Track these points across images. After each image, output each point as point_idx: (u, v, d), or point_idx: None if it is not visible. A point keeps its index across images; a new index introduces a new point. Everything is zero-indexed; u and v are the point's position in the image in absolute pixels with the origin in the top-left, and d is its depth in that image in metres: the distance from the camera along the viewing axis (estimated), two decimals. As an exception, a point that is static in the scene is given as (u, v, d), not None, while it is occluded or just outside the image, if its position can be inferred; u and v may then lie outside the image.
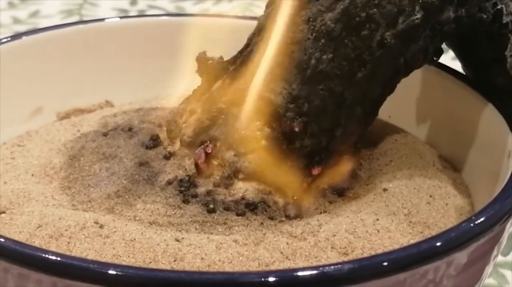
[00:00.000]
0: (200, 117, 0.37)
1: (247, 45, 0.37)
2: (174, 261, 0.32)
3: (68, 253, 0.32)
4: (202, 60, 0.38)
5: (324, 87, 0.35)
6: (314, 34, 0.35)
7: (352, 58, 0.35)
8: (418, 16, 0.35)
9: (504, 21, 0.36)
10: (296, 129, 0.35)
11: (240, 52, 0.37)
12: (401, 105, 0.42)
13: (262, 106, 0.35)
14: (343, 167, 0.37)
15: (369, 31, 0.35)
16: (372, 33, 0.35)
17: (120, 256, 0.32)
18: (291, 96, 0.35)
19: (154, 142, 0.39)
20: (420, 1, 0.35)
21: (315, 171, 0.36)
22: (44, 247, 0.32)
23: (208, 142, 0.37)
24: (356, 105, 0.36)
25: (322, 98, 0.35)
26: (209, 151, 0.36)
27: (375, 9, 0.35)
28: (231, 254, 0.32)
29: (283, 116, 0.35)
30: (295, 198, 0.35)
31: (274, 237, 0.33)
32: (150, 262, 0.32)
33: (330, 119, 0.35)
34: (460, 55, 0.40)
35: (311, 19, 0.35)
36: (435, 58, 0.37)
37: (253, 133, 0.35)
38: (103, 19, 0.50)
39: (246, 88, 0.36)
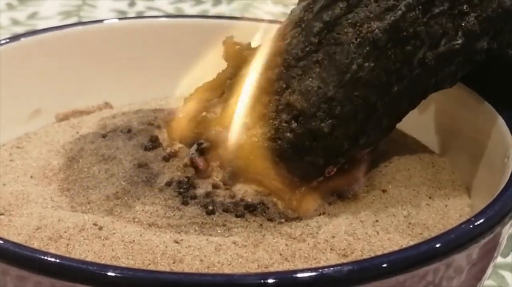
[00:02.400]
0: (227, 100, 0.37)
1: (282, 36, 0.37)
2: (173, 262, 0.32)
3: (67, 255, 0.32)
4: (229, 44, 0.38)
5: (360, 94, 0.35)
6: (358, 40, 0.34)
7: (392, 71, 0.35)
8: (459, 41, 0.35)
9: None
10: (325, 130, 0.35)
11: (273, 41, 0.37)
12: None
13: (294, 100, 0.35)
14: (347, 174, 0.37)
15: (413, 48, 0.35)
16: (415, 50, 0.35)
17: (119, 258, 0.32)
18: (326, 97, 0.35)
19: (153, 143, 0.39)
20: (464, 28, 0.35)
21: (329, 172, 0.36)
22: (43, 249, 0.32)
23: (202, 138, 0.37)
24: (384, 117, 0.36)
25: (355, 105, 0.35)
26: (203, 145, 0.36)
27: (422, 27, 0.35)
28: (230, 255, 0.32)
29: (314, 115, 0.35)
30: (294, 199, 0.35)
31: (273, 238, 0.33)
32: (149, 264, 0.32)
33: (357, 126, 0.35)
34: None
35: (358, 24, 0.35)
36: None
37: (280, 125, 0.35)
38: (102, 21, 0.50)
39: (280, 79, 0.36)
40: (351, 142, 0.35)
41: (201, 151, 0.37)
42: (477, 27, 0.35)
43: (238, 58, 0.37)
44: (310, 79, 0.35)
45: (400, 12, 0.34)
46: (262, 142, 0.35)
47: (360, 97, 0.35)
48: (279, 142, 0.35)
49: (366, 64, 0.34)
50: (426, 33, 0.35)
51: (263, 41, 0.37)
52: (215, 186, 0.36)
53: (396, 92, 0.35)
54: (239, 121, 0.36)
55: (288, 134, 0.35)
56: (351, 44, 0.34)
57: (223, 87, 0.38)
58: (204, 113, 0.37)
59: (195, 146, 0.37)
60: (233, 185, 0.36)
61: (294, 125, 0.35)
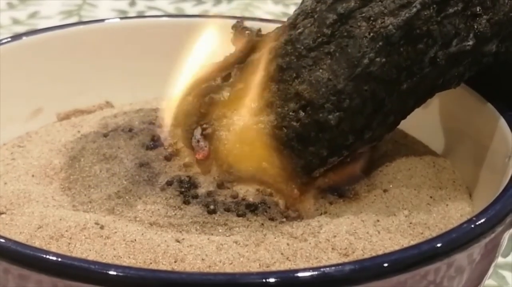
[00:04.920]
0: (235, 84, 0.37)
1: (293, 25, 0.36)
2: (175, 262, 0.32)
3: (69, 254, 0.32)
4: (239, 28, 0.38)
5: (369, 88, 0.35)
6: (372, 34, 0.34)
7: (402, 68, 0.35)
8: (470, 43, 0.35)
9: None
10: (332, 122, 0.35)
11: (283, 30, 0.37)
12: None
13: (303, 90, 0.35)
14: (347, 169, 0.37)
15: (425, 46, 0.35)
16: (427, 49, 0.35)
17: (121, 257, 0.32)
18: (335, 89, 0.35)
19: (155, 143, 0.39)
20: (476, 30, 0.35)
21: (331, 162, 0.36)
22: (44, 248, 0.32)
23: (207, 125, 0.37)
24: (391, 113, 0.36)
25: (364, 99, 0.35)
26: (207, 131, 0.36)
27: (436, 26, 0.35)
28: (232, 255, 0.32)
29: (322, 106, 0.35)
30: (296, 187, 0.35)
31: (275, 238, 0.33)
32: (151, 263, 0.32)
33: (364, 121, 0.35)
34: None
35: (371, 18, 0.35)
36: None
37: (287, 114, 0.35)
38: (103, 20, 0.50)
39: (290, 68, 0.35)
40: (356, 136, 0.35)
41: (205, 137, 0.37)
42: (488, 30, 0.35)
43: (247, 43, 0.37)
44: (320, 70, 0.35)
45: (415, 9, 0.34)
46: (268, 129, 0.35)
47: (369, 91, 0.35)
48: (285, 130, 0.35)
49: (378, 59, 0.34)
50: (439, 32, 0.35)
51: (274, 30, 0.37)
52: (219, 186, 0.36)
53: (405, 89, 0.35)
54: (246, 106, 0.36)
55: (295, 123, 0.35)
56: (364, 38, 0.34)
57: (229, 70, 0.38)
58: (211, 95, 0.37)
59: (199, 130, 0.37)
60: (234, 176, 0.36)
61: (301, 115, 0.35)
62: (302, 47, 0.35)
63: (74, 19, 0.78)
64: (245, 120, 0.36)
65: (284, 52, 0.36)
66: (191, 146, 0.37)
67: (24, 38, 0.46)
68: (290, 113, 0.35)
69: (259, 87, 0.36)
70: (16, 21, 0.77)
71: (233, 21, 0.44)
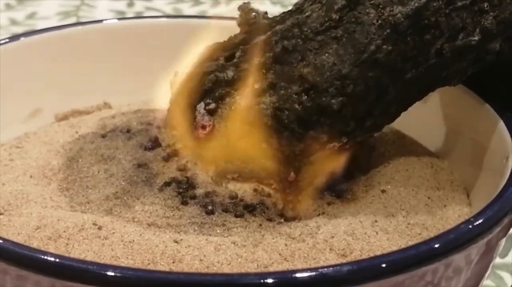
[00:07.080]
0: (239, 64, 0.37)
1: (300, 10, 0.37)
2: (173, 262, 0.32)
3: (67, 255, 0.32)
4: (245, 10, 0.38)
5: (374, 75, 0.35)
6: (380, 22, 0.35)
7: (408, 57, 0.35)
8: (476, 38, 0.35)
9: None
10: (334, 107, 0.35)
11: (290, 14, 0.37)
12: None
13: (307, 73, 0.35)
14: (341, 166, 0.37)
15: (432, 37, 0.35)
16: (434, 40, 0.35)
17: (119, 258, 0.32)
18: (340, 74, 0.35)
19: (153, 143, 0.39)
20: (482, 25, 0.36)
21: (331, 146, 0.36)
22: (42, 249, 0.32)
23: (210, 100, 0.37)
24: (393, 103, 0.36)
25: (368, 86, 0.35)
26: (210, 106, 0.36)
27: (444, 18, 0.35)
28: (230, 255, 0.32)
29: (326, 90, 0.35)
30: (293, 171, 0.35)
31: (273, 238, 0.33)
32: (149, 264, 0.32)
33: (366, 108, 0.35)
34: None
35: (380, 6, 0.35)
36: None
37: (290, 96, 0.35)
38: (101, 21, 0.50)
39: (295, 50, 0.35)
40: (357, 122, 0.35)
41: (208, 112, 0.37)
42: (494, 27, 0.36)
43: (252, 25, 0.37)
44: (326, 54, 0.35)
45: None
46: (269, 110, 0.36)
47: (373, 78, 0.35)
48: (286, 113, 0.35)
49: (384, 47, 0.34)
50: (446, 24, 0.35)
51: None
52: (218, 175, 0.36)
53: (409, 79, 0.35)
54: (250, 87, 0.36)
55: (297, 106, 0.35)
56: (372, 25, 0.35)
57: (233, 50, 0.38)
58: (216, 73, 0.37)
59: (202, 105, 0.37)
60: (233, 161, 0.36)
61: (304, 97, 0.35)
62: (309, 31, 0.35)
63: (72, 20, 0.78)
64: (248, 100, 0.36)
65: (290, 35, 0.36)
66: (190, 125, 0.37)
67: (22, 38, 0.46)
68: (293, 96, 0.35)
69: (263, 68, 0.36)
70: (14, 22, 0.77)
71: (233, 22, 0.45)
